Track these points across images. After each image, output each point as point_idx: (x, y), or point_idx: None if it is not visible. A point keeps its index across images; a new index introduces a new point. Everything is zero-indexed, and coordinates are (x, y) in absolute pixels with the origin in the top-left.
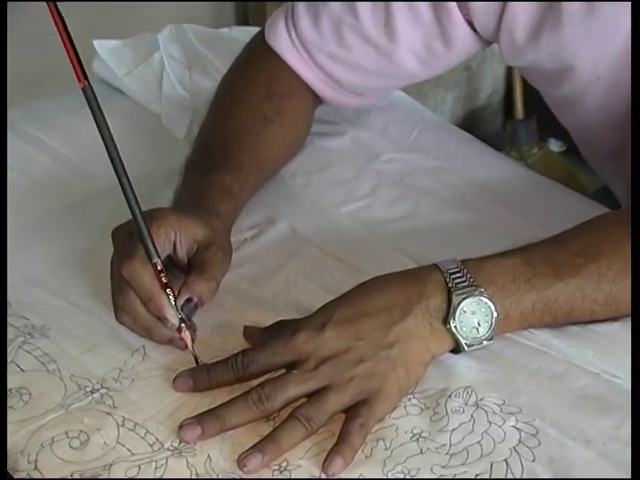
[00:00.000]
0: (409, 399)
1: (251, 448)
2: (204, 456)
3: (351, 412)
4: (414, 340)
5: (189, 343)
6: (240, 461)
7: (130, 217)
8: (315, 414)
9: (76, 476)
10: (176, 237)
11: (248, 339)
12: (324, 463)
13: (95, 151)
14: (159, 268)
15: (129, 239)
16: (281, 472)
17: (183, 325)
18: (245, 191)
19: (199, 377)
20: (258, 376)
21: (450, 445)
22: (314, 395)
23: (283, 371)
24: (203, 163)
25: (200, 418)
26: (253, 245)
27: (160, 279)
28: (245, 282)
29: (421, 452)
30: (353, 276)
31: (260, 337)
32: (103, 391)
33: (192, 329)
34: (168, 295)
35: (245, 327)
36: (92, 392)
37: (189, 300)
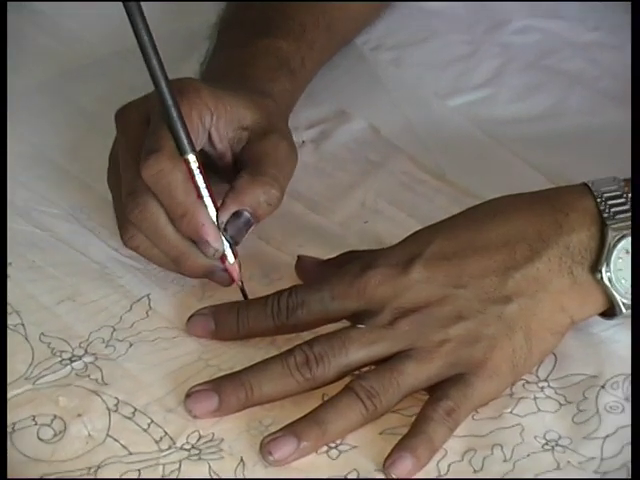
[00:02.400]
0: (541, 388)
1: (283, 429)
2: (235, 460)
3: (437, 391)
4: (544, 294)
5: (237, 276)
6: (265, 445)
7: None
8: (383, 389)
9: None
10: (212, 122)
11: (300, 274)
12: (387, 459)
13: None
14: (195, 167)
15: (144, 126)
16: (328, 451)
17: (229, 251)
18: (308, 66)
19: (224, 318)
20: (308, 327)
21: (601, 459)
22: (385, 362)
23: (344, 324)
24: (246, 23)
25: (219, 384)
26: (314, 151)
27: (196, 184)
28: (301, 206)
29: (558, 467)
30: (460, 201)
31: (317, 272)
32: (87, 359)
33: (235, 255)
34: (207, 206)
35: (299, 257)
36: (71, 360)
37: (237, 214)
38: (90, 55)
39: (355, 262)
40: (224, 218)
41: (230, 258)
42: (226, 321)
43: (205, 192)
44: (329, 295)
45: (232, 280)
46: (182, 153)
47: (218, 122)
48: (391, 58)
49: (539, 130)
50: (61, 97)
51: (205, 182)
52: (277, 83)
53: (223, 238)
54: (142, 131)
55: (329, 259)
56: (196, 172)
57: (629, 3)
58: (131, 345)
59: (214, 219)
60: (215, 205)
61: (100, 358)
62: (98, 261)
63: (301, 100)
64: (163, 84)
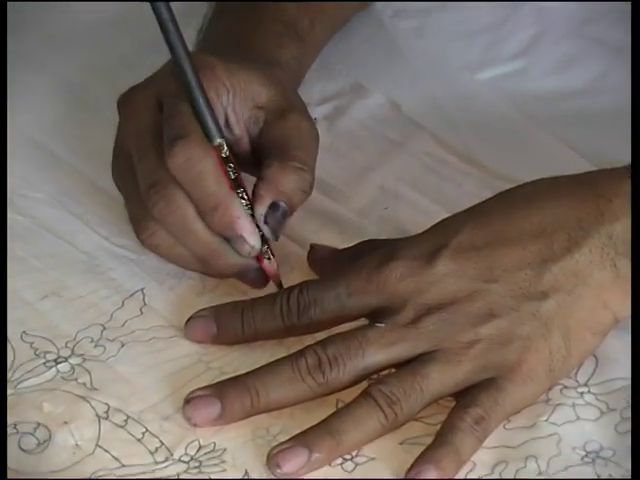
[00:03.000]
0: (580, 394)
1: (293, 439)
2: (239, 473)
3: (465, 397)
4: (584, 289)
5: (276, 277)
6: (272, 457)
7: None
8: (405, 395)
9: None
10: (229, 101)
11: (313, 265)
12: (408, 472)
13: None
14: (225, 154)
15: (156, 112)
16: (342, 463)
17: (265, 248)
18: (318, 29)
19: (227, 320)
20: (322, 328)
21: None
22: (407, 366)
23: (361, 322)
24: None
25: (221, 389)
26: (328, 130)
27: (226, 171)
28: (314, 191)
29: None
30: (490, 185)
31: (332, 263)
32: (74, 360)
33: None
34: (241, 198)
35: (311, 247)
36: (57, 362)
37: (274, 206)
38: (74, 21)
39: (374, 253)
40: (262, 211)
41: (269, 256)
42: (229, 323)
43: (236, 183)
44: (345, 291)
45: (267, 280)
46: (211, 139)
47: (234, 101)
48: (414, 26)
49: (577, 107)
50: (42, 68)
51: (236, 171)
52: (284, 50)
53: (259, 234)
54: (154, 117)
55: (345, 249)
56: (226, 161)
57: None
58: (123, 345)
59: (250, 212)
60: (248, 196)
61: (89, 360)
62: (86, 251)
63: (312, 72)
64: (186, 62)
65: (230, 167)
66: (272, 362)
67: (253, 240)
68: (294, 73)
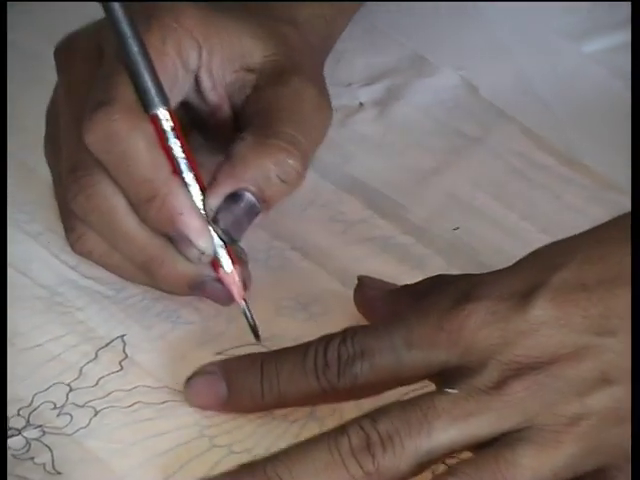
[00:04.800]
0: None
1: None
2: None
3: None
4: None
5: (237, 292)
6: None
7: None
8: None
9: None
10: (202, 60)
11: (361, 306)
12: None
13: None
14: (169, 128)
15: (97, 61)
16: None
17: (222, 252)
18: None
19: (242, 379)
20: (371, 393)
21: None
22: (488, 448)
23: (423, 388)
24: None
25: (238, 477)
26: (377, 119)
27: (171, 153)
28: (355, 201)
29: None
30: (601, 198)
31: (386, 305)
32: (31, 433)
33: (242, 261)
34: (188, 185)
35: (360, 281)
36: (7, 435)
37: (235, 197)
38: None
39: (445, 291)
40: (214, 202)
41: (225, 263)
42: (244, 383)
43: (184, 165)
44: (404, 341)
45: (231, 297)
46: (147, 107)
47: (210, 60)
48: None
49: None
50: None
51: (184, 150)
52: (303, 7)
53: (213, 233)
54: (92, 74)
55: (405, 287)
56: (170, 135)
57: None
58: (96, 413)
59: (199, 205)
60: (200, 184)
61: (50, 433)
62: (45, 285)
63: (355, 40)
64: (115, 3)
65: (176, 144)
66: (302, 442)
67: (202, 242)
68: (319, 35)
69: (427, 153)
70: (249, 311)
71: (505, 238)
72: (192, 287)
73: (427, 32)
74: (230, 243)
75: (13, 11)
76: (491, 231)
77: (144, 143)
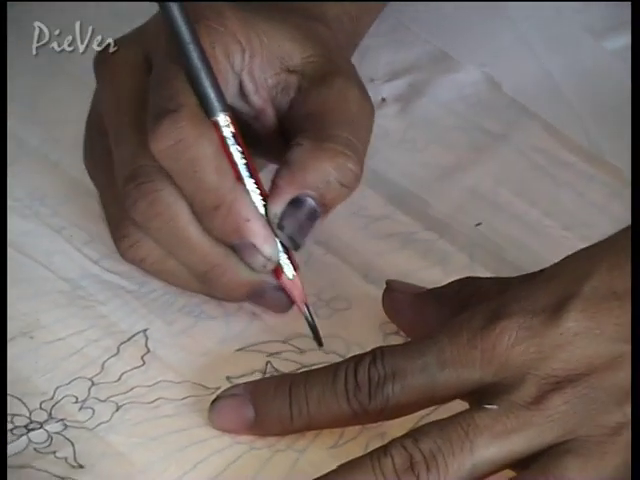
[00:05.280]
0: None
1: None
2: None
3: None
4: None
5: (299, 297)
6: None
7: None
8: None
9: None
10: (245, 63)
11: (390, 312)
12: None
13: None
14: (230, 134)
15: (144, 75)
16: None
17: (285, 259)
18: None
19: (269, 400)
20: (404, 413)
21: None
22: (534, 464)
23: (459, 407)
24: None
25: None
26: (399, 115)
27: (233, 159)
28: (378, 197)
29: None
30: (624, 195)
31: (414, 308)
32: (52, 427)
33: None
34: (250, 192)
35: (388, 286)
36: (28, 428)
37: (297, 202)
38: None
39: (477, 308)
40: (278, 209)
41: (288, 270)
42: (272, 406)
43: (245, 171)
44: (437, 360)
45: (291, 303)
46: (210, 113)
47: (252, 62)
48: None
49: None
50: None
51: (246, 156)
52: (331, 5)
53: (277, 240)
54: (141, 82)
55: (432, 290)
56: (231, 142)
57: None
58: (118, 408)
59: (262, 211)
60: (262, 191)
61: (71, 427)
62: (68, 278)
63: (378, 36)
64: (175, 5)
65: (237, 150)
66: (345, 464)
67: (268, 249)
68: (346, 33)
69: (449, 149)
70: (312, 316)
71: (528, 234)
72: (251, 295)
73: (450, 29)
74: (295, 249)
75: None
76: (514, 227)
77: (211, 150)
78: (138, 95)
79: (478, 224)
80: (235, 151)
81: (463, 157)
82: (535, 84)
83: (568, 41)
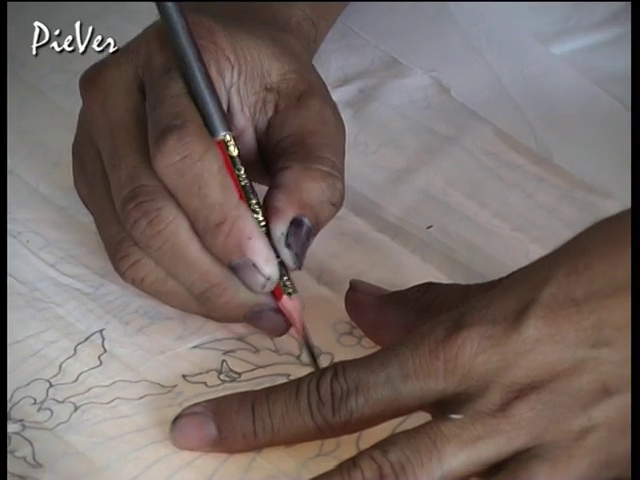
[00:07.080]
0: None
1: None
2: None
3: None
4: None
5: (298, 320)
6: None
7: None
8: None
9: None
10: (233, 80)
11: (351, 312)
12: None
13: None
14: (235, 152)
15: (137, 95)
16: None
17: (285, 280)
18: None
19: (232, 417)
20: (367, 425)
21: None
22: (503, 471)
23: (422, 418)
24: None
25: None
26: (352, 120)
27: (237, 178)
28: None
29: None
30: (571, 197)
31: (377, 310)
32: (11, 427)
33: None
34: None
35: (352, 286)
36: None
37: (297, 222)
38: None
39: (437, 320)
40: (282, 229)
41: (290, 290)
42: (235, 423)
43: (248, 190)
44: (399, 373)
45: (287, 326)
46: (215, 132)
47: (239, 80)
48: None
49: None
50: None
51: (247, 176)
52: (294, 8)
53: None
54: (134, 102)
55: (395, 293)
56: (236, 161)
57: None
58: (77, 408)
59: (263, 230)
60: (263, 211)
61: (30, 427)
62: (25, 281)
63: (329, 42)
64: (179, 24)
65: (239, 170)
66: (314, 478)
67: (268, 269)
68: (308, 40)
69: (400, 152)
70: (308, 341)
71: (479, 236)
72: (249, 317)
73: (399, 35)
74: (298, 268)
75: None
76: (464, 229)
77: (217, 166)
78: (132, 115)
79: (429, 227)
80: (238, 171)
81: (414, 160)
82: (484, 88)
83: (516, 46)
